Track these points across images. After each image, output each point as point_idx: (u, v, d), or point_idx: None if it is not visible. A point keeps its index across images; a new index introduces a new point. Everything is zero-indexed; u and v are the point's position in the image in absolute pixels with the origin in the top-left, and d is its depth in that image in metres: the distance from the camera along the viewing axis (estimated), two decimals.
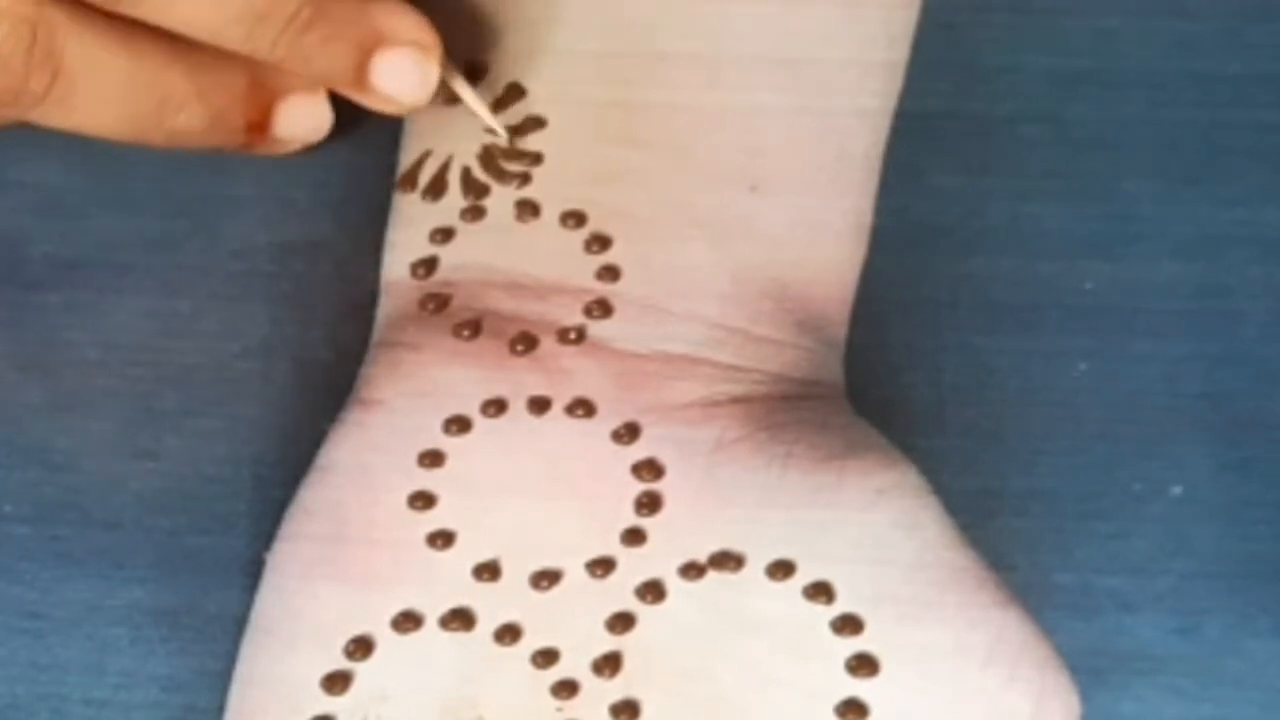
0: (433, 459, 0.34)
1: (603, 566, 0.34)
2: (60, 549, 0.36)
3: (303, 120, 0.36)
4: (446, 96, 0.36)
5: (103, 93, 0.32)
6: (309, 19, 0.32)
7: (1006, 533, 0.36)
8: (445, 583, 0.34)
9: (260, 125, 0.35)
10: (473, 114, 0.37)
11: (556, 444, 0.35)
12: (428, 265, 0.36)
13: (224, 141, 0.35)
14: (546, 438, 0.35)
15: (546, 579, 0.34)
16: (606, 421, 0.35)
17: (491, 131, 0.37)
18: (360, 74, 0.34)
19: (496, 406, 0.35)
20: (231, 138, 0.35)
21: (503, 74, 0.38)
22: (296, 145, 0.37)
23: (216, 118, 0.34)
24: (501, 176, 0.37)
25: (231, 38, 0.32)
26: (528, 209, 0.37)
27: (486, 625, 0.33)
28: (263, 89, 0.35)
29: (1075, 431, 0.37)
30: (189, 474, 0.37)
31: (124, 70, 0.32)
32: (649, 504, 0.34)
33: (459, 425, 0.35)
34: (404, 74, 0.34)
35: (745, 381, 0.35)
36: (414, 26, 0.34)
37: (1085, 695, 0.33)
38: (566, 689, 0.33)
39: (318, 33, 0.33)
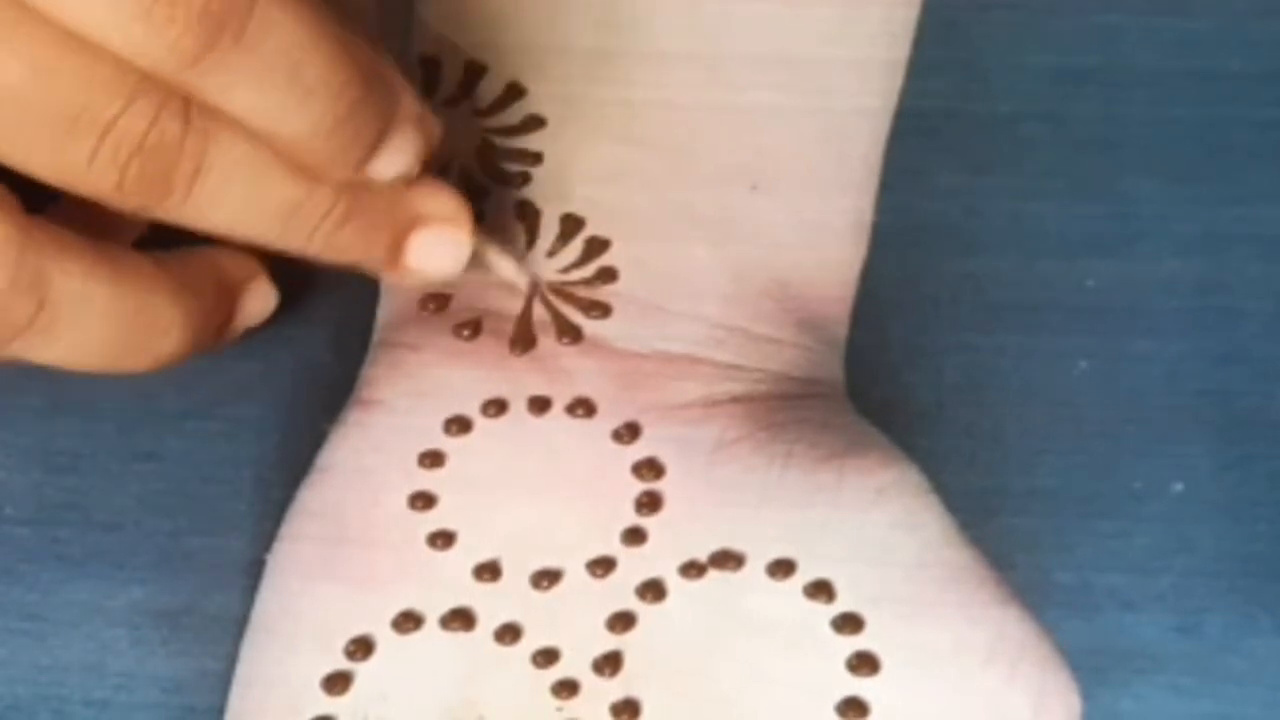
0: (433, 459, 0.34)
1: (603, 566, 0.34)
2: (61, 550, 0.36)
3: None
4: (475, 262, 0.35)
5: (89, 322, 0.30)
6: (344, 214, 0.31)
7: (1007, 531, 0.36)
8: (446, 583, 0.34)
9: (226, 325, 0.34)
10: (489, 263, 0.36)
11: (557, 444, 0.35)
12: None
13: (200, 350, 0.33)
14: (547, 437, 0.35)
15: (547, 579, 0.34)
16: (607, 421, 0.35)
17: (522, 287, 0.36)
18: (394, 257, 0.33)
19: (497, 406, 0.35)
20: (205, 344, 0.33)
21: (503, 74, 0.38)
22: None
23: (197, 335, 0.32)
24: (501, 177, 0.37)
25: (265, 237, 0.31)
26: (527, 210, 0.37)
27: (487, 625, 0.33)
28: (228, 287, 0.33)
29: (1076, 430, 0.37)
30: (189, 475, 0.37)
31: (110, 297, 0.30)
32: (649, 503, 0.34)
33: (459, 425, 0.35)
34: (439, 252, 0.33)
35: (746, 381, 0.35)
36: (447, 204, 0.33)
37: (1086, 693, 0.33)
38: (567, 688, 0.33)
39: (354, 226, 0.31)
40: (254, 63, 0.27)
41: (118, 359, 0.31)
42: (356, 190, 0.31)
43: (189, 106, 0.28)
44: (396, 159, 0.31)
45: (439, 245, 0.33)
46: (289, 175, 0.30)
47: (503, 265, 0.35)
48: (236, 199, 0.29)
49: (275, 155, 0.29)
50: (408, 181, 0.32)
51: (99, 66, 0.27)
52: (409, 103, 0.31)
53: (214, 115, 0.28)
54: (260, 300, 0.34)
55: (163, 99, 0.27)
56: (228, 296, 0.33)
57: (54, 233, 0.29)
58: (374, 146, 0.30)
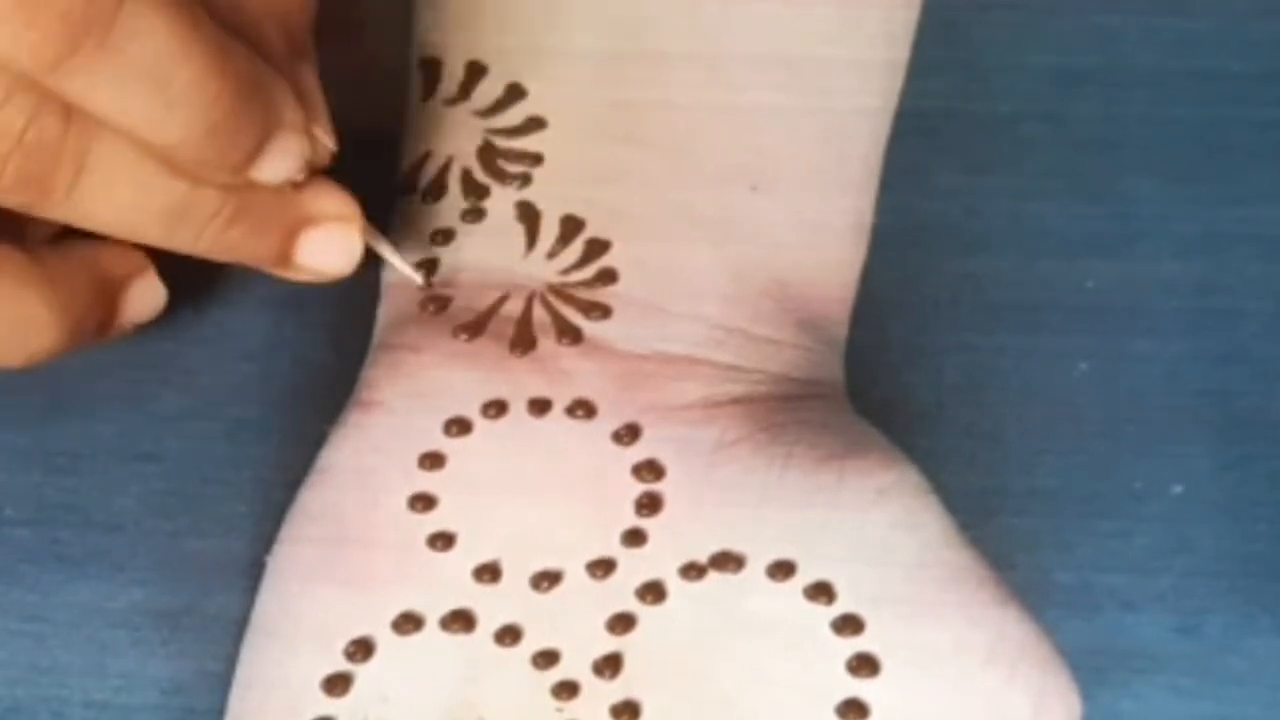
0: (433, 460, 0.34)
1: (603, 567, 0.34)
2: (61, 551, 0.36)
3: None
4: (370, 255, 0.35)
5: None
6: (231, 215, 0.31)
7: (1007, 532, 0.36)
8: (446, 584, 0.34)
9: (108, 321, 0.33)
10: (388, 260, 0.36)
11: (557, 445, 0.35)
12: (428, 267, 0.36)
13: (79, 347, 0.32)
14: (547, 439, 0.35)
15: (547, 580, 0.34)
16: (607, 422, 0.35)
17: (417, 282, 0.36)
18: (284, 256, 0.33)
19: (497, 408, 0.35)
20: (85, 341, 0.32)
21: (503, 74, 0.38)
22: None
23: (73, 332, 0.31)
24: (502, 177, 0.37)
25: (151, 237, 0.31)
26: (528, 210, 0.37)
27: (487, 626, 0.33)
28: (109, 283, 0.33)
29: (1076, 430, 0.37)
30: (190, 476, 0.37)
31: None
32: (649, 505, 0.34)
33: (459, 427, 0.35)
34: (330, 251, 0.33)
35: (746, 381, 0.35)
36: (336, 203, 0.33)
37: (1086, 694, 0.33)
38: (567, 690, 0.33)
39: (242, 226, 0.31)
40: (118, 69, 0.27)
41: None
42: (244, 191, 0.31)
43: (70, 106, 0.28)
44: (279, 164, 0.31)
45: (329, 244, 0.33)
46: (173, 177, 0.30)
47: (396, 262, 0.36)
48: (120, 200, 0.29)
49: (157, 157, 0.29)
50: (296, 184, 0.32)
51: None
52: (291, 110, 0.31)
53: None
54: (147, 297, 0.34)
55: (43, 96, 0.27)
56: (108, 293, 0.33)
57: None
58: (253, 153, 0.30)
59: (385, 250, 0.35)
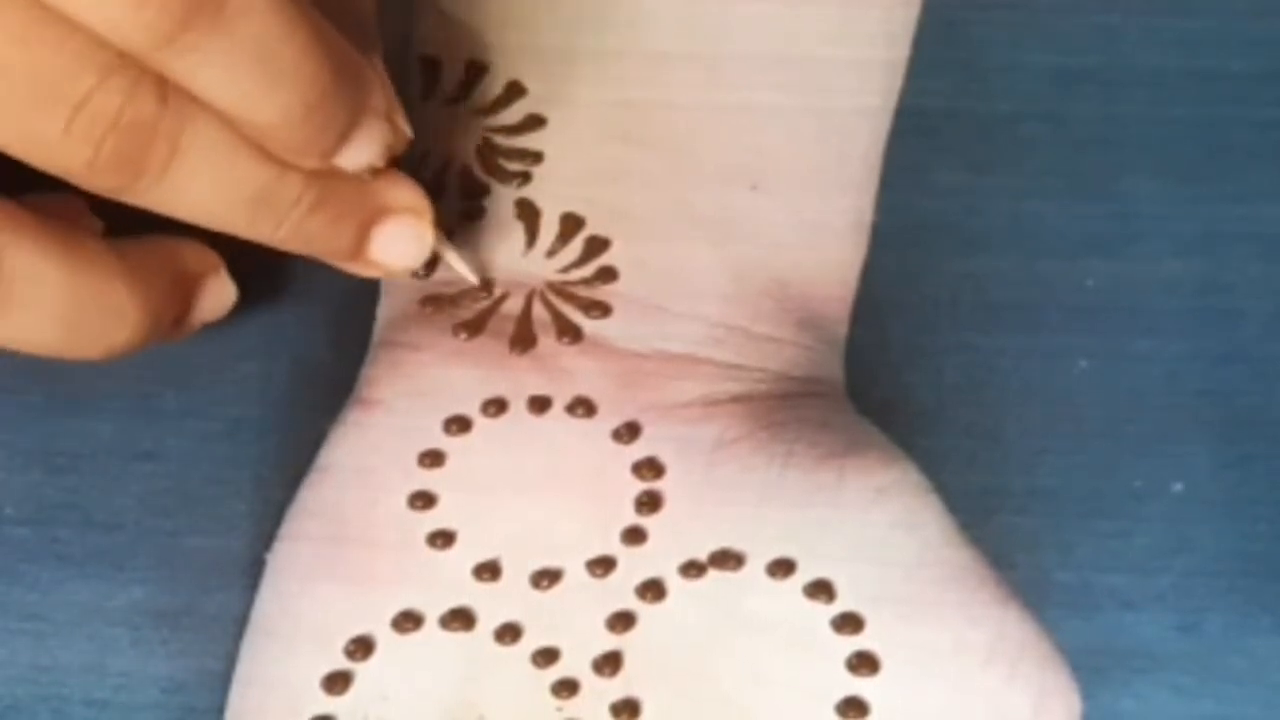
0: (433, 459, 0.34)
1: (603, 565, 0.34)
2: (61, 550, 0.36)
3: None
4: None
5: (40, 302, 0.29)
6: (313, 203, 0.31)
7: (1007, 531, 0.36)
8: (445, 582, 0.34)
9: (182, 318, 0.33)
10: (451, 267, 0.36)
11: (557, 443, 0.35)
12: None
13: (155, 342, 0.32)
14: (547, 437, 0.35)
15: (547, 578, 0.34)
16: (607, 421, 0.35)
17: (473, 281, 0.36)
18: (358, 249, 0.33)
19: (497, 406, 0.35)
20: (160, 337, 0.32)
21: (503, 73, 0.38)
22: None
23: (153, 325, 0.31)
24: (501, 176, 0.37)
25: (235, 223, 0.30)
26: (527, 209, 0.37)
27: (487, 625, 0.33)
28: (186, 279, 0.33)
29: (1076, 429, 0.37)
30: (189, 475, 0.37)
31: (63, 279, 0.29)
32: (649, 503, 0.34)
33: (459, 425, 0.35)
34: (402, 243, 0.33)
35: (746, 380, 0.35)
36: (409, 194, 0.33)
37: (1086, 693, 0.33)
38: (567, 688, 0.33)
39: (323, 214, 0.31)
40: (228, 46, 0.27)
41: (70, 344, 0.30)
42: (325, 179, 0.31)
43: (166, 86, 0.28)
44: (364, 149, 0.31)
45: (402, 236, 0.33)
46: (261, 161, 0.29)
47: (456, 261, 0.36)
48: (209, 183, 0.29)
49: (247, 141, 0.29)
50: (374, 172, 0.32)
51: (73, 39, 0.26)
52: (379, 95, 0.31)
53: (190, 96, 0.28)
54: (219, 294, 0.34)
55: (139, 76, 0.27)
56: (186, 288, 0.33)
57: (8, 209, 0.29)
58: (343, 136, 0.30)
59: (445, 248, 0.35)
